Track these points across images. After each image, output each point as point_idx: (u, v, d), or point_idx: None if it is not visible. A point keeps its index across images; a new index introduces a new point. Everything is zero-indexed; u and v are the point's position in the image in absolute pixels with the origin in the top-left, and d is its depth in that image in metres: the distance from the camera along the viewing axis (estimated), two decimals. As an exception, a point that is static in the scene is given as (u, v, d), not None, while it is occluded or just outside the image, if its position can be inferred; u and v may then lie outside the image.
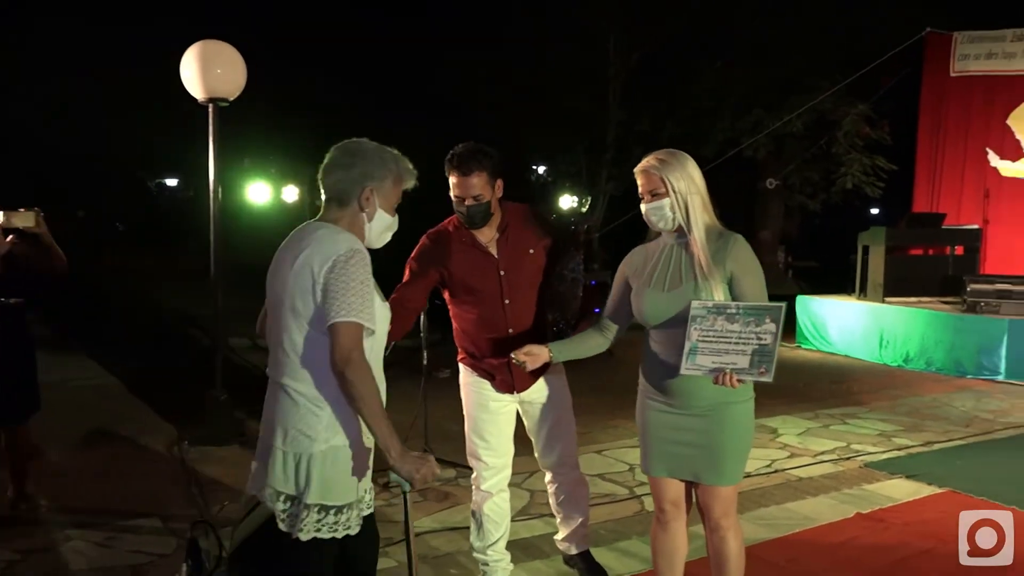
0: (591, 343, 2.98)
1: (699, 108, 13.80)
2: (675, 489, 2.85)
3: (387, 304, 2.37)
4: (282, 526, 2.21)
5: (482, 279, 3.19)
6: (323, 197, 2.34)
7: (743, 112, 13.64)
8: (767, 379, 2.47)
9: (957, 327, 8.55)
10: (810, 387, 7.81)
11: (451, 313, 3.35)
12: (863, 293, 9.76)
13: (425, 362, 5.18)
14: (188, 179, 26.68)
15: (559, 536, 3.57)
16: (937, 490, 4.76)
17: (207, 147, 5.72)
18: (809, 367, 8.97)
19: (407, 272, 3.23)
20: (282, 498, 2.22)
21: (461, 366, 3.40)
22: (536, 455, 3.45)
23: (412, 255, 3.26)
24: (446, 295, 3.31)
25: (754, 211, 16.11)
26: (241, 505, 2.37)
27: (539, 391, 3.32)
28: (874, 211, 24.15)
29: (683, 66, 13.71)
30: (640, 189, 2.76)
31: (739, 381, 2.51)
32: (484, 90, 13.87)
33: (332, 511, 2.22)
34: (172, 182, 28.92)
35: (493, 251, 3.21)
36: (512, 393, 3.31)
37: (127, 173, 24.52)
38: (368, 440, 2.28)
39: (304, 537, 2.19)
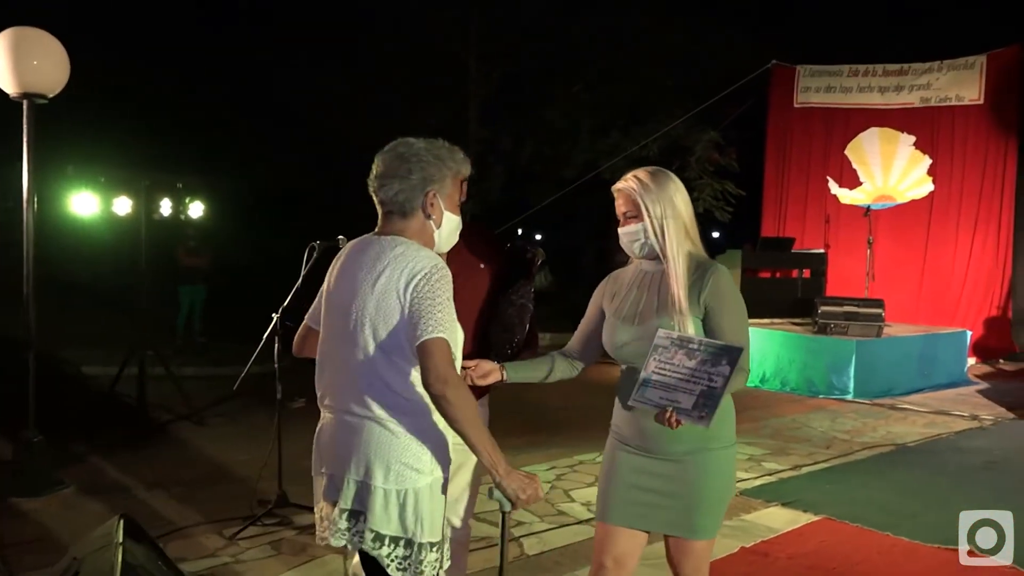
0: (554, 368, 2.64)
1: (558, 129, 13.88)
2: (625, 543, 2.52)
3: (461, 330, 2.21)
4: (399, 574, 2.07)
5: None
6: (380, 210, 2.19)
7: (601, 135, 13.82)
8: (703, 425, 2.22)
9: (809, 348, 8.83)
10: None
11: None
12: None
13: (279, 394, 4.64)
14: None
15: None
16: (814, 517, 4.72)
17: (21, 149, 4.97)
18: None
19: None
20: (388, 542, 2.07)
21: None
22: None
23: None
24: None
25: (612, 235, 16.35)
26: (57, 570, 1.86)
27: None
28: (715, 234, 25.27)
29: (540, 87, 13.77)
30: (616, 209, 2.50)
31: (678, 422, 2.24)
32: (337, 103, 13.36)
33: (438, 547, 2.12)
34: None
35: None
36: None
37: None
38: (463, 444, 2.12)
39: None
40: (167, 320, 10.83)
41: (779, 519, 4.70)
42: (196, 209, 7.34)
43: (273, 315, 4.23)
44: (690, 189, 12.72)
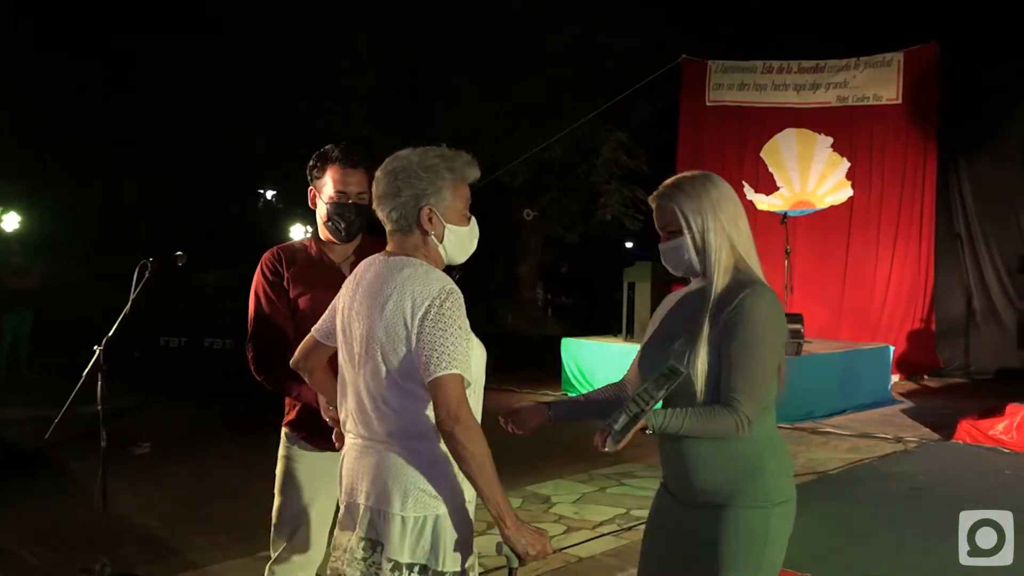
0: (606, 401, 2.52)
1: (457, 130, 13.81)
2: None
3: (482, 345, 2.31)
4: None
5: (326, 302, 2.79)
6: (387, 229, 2.31)
7: (503, 136, 13.79)
8: (608, 449, 2.14)
9: (725, 368, 8.94)
10: (581, 442, 7.72)
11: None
12: (630, 334, 10.00)
13: (103, 441, 4.25)
14: None
15: None
16: (728, 560, 4.70)
17: None
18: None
19: (263, 304, 3.00)
20: (405, 570, 2.17)
21: (284, 437, 3.06)
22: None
23: (259, 281, 3.03)
24: None
25: (513, 243, 16.36)
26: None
27: None
28: (628, 244, 25.71)
29: (436, 84, 13.70)
30: (655, 223, 2.40)
31: (603, 442, 2.15)
32: (216, 103, 12.99)
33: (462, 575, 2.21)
34: None
35: (346, 269, 2.96)
36: (337, 451, 2.88)
37: None
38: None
39: None
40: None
41: (691, 563, 4.67)
42: (11, 221, 6.91)
43: (96, 347, 3.92)
44: (596, 195, 12.84)
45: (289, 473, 3.01)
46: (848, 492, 6.19)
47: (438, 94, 13.78)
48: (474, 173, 2.31)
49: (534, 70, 13.43)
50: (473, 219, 2.35)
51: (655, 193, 2.42)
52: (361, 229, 3.04)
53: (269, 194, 17.68)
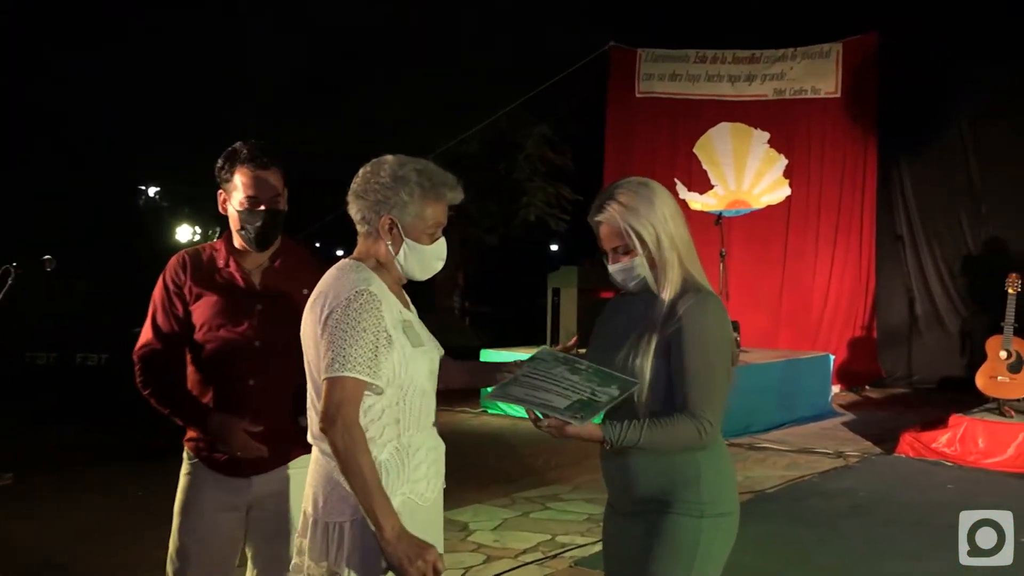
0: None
1: (353, 123, 13.71)
2: None
3: (431, 350, 2.45)
4: None
5: (231, 312, 2.94)
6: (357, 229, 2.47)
7: (408, 129, 13.74)
8: (576, 423, 2.26)
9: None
10: (502, 463, 7.77)
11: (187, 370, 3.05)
12: (555, 343, 10.06)
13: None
14: None
15: None
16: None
17: None
18: (499, 437, 8.99)
19: (157, 315, 2.98)
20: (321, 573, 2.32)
21: (185, 456, 3.01)
22: None
23: (158, 288, 3.02)
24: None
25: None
26: None
27: (276, 484, 2.93)
28: (553, 247, 25.92)
29: (332, 72, 13.61)
30: (600, 243, 2.47)
31: (544, 417, 2.30)
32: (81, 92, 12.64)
33: None
34: None
35: (256, 280, 3.00)
36: (244, 477, 2.89)
37: None
38: (423, 499, 2.39)
39: None
40: None
41: (621, 592, 4.72)
42: None
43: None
44: (519, 193, 12.89)
45: (193, 494, 2.96)
46: (787, 511, 6.35)
47: (337, 83, 13.66)
48: (455, 196, 2.45)
49: (447, 57, 13.42)
50: (441, 240, 2.47)
51: (594, 210, 2.49)
52: (276, 236, 3.02)
53: (152, 191, 17.24)
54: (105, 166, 14.62)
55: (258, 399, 2.86)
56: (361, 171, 2.43)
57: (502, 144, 14.00)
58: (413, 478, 2.38)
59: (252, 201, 2.92)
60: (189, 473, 2.99)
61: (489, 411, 10.09)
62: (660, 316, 2.41)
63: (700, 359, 2.37)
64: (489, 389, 2.48)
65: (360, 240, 2.46)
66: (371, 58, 13.63)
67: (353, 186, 2.43)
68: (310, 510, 2.38)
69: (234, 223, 2.99)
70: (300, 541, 2.42)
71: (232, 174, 2.95)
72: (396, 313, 2.38)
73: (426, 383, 2.42)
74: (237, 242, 3.02)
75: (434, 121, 13.70)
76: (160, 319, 2.97)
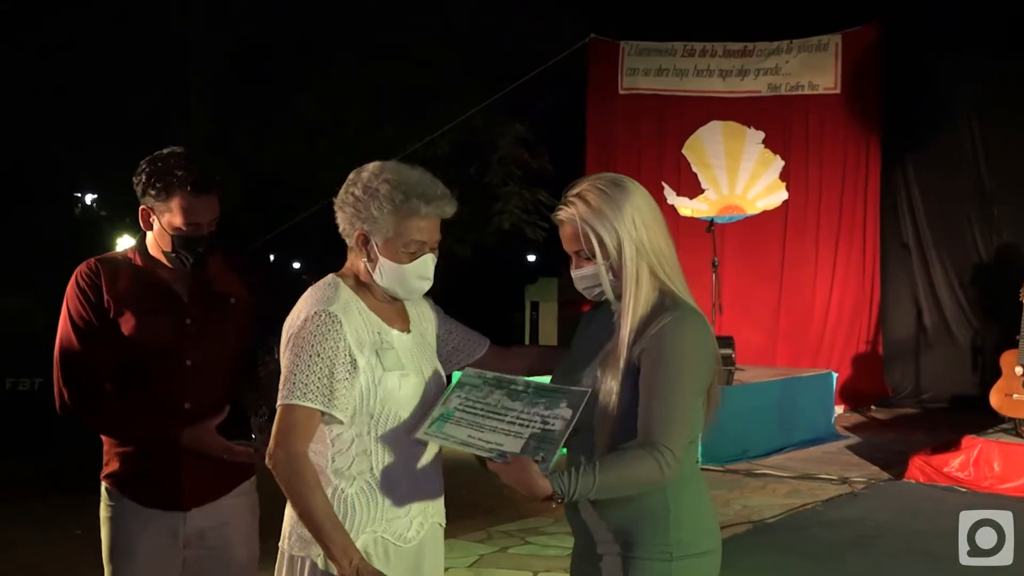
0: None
1: (313, 122, 13.66)
2: None
3: (415, 374, 2.42)
4: None
5: (159, 328, 2.90)
6: None
7: (372, 129, 13.71)
8: (543, 470, 2.16)
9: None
10: (477, 493, 7.69)
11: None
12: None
13: None
14: None
15: None
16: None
17: None
18: (470, 463, 8.88)
19: (78, 325, 2.89)
20: None
21: (105, 494, 2.93)
22: None
23: (72, 297, 2.92)
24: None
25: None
26: None
27: (217, 516, 2.92)
28: (531, 257, 25.91)
29: (289, 67, 13.56)
30: (563, 244, 2.43)
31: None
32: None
33: None
34: None
35: (181, 290, 2.96)
36: (182, 510, 2.87)
37: None
38: (402, 540, 2.42)
39: None
40: None
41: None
42: None
43: None
44: (493, 198, 12.90)
45: (122, 539, 2.90)
46: (788, 542, 6.34)
47: (288, 79, 13.61)
48: (435, 211, 2.37)
49: (414, 50, 13.40)
50: (423, 258, 2.41)
51: (558, 212, 2.41)
52: (207, 257, 3.00)
53: (89, 198, 17.10)
54: (35, 171, 14.50)
55: (195, 423, 2.81)
56: (348, 178, 2.43)
57: (473, 145, 13.93)
58: (388, 516, 2.36)
59: (192, 227, 2.90)
60: (112, 517, 2.92)
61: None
62: (630, 333, 2.32)
63: (665, 383, 2.26)
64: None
65: (348, 253, 2.48)
66: (324, 47, 13.55)
67: (338, 197, 2.42)
68: (284, 544, 2.44)
69: (163, 243, 2.94)
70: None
71: (168, 197, 2.90)
72: (371, 335, 2.36)
73: (408, 412, 2.39)
74: (154, 252, 2.98)
75: (401, 119, 13.66)
76: (81, 330, 2.89)
